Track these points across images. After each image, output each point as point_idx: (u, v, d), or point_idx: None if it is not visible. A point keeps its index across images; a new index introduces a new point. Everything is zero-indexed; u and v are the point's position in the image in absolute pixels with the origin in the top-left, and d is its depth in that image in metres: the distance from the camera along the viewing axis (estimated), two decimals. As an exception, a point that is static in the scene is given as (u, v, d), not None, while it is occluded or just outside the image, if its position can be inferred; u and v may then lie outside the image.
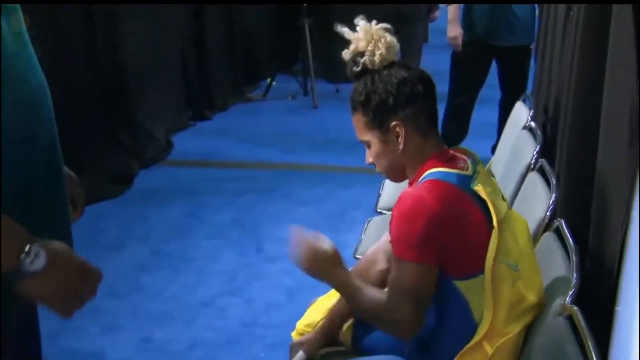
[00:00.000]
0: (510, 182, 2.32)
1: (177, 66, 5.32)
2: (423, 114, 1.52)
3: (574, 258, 1.49)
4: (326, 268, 1.52)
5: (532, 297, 1.45)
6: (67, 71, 3.87)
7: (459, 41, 3.92)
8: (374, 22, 1.55)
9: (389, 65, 1.52)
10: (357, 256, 2.38)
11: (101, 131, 4.27)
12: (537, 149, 2.27)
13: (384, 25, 1.55)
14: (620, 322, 1.20)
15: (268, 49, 7.01)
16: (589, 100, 1.74)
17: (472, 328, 1.45)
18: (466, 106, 4.13)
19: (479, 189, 1.45)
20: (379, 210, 2.68)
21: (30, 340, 1.40)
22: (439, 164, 1.47)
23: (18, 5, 1.15)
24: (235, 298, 3.02)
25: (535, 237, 1.80)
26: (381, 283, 1.67)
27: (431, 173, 1.46)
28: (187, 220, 3.79)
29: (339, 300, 1.71)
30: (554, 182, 1.93)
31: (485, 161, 3.15)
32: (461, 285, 1.44)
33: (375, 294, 1.49)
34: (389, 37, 1.52)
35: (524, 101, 2.97)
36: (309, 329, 1.79)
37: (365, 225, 2.60)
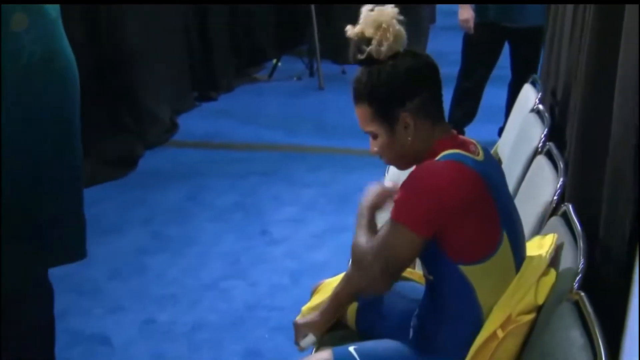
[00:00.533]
0: (517, 165, 2.29)
1: (182, 47, 5.28)
2: (431, 101, 1.49)
3: (581, 243, 1.47)
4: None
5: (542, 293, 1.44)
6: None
7: (471, 24, 3.88)
8: (388, 6, 1.49)
9: (394, 54, 1.47)
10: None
11: (105, 113, 4.24)
12: (544, 132, 2.24)
13: (396, 12, 1.48)
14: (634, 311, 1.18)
15: (274, 29, 6.96)
16: (601, 83, 1.70)
17: (477, 313, 1.44)
18: (476, 88, 4.10)
19: None
20: (383, 193, 2.66)
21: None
22: (453, 147, 1.45)
23: None
24: (239, 281, 3.02)
25: (542, 222, 1.78)
26: None
27: (448, 154, 1.44)
28: (190, 202, 3.78)
29: (343, 283, 1.69)
30: (562, 165, 1.90)
31: (492, 144, 3.14)
32: (467, 270, 1.42)
33: (368, 245, 1.48)
34: (397, 27, 1.47)
35: (532, 83, 2.93)
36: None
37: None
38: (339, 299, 1.68)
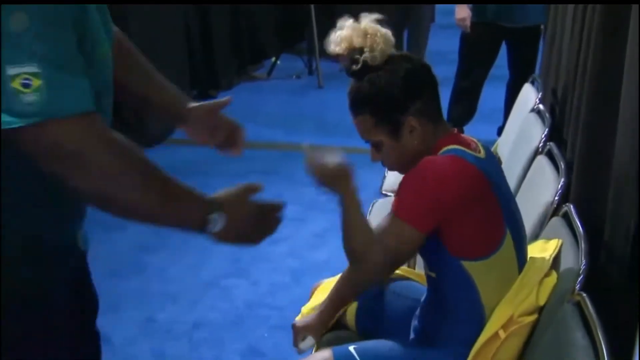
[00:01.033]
0: (517, 165, 2.29)
1: (182, 46, 5.28)
2: (431, 102, 1.49)
3: (582, 244, 1.47)
4: (337, 178, 1.47)
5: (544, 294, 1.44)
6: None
7: (468, 22, 3.87)
8: (365, 17, 1.47)
9: (388, 59, 1.46)
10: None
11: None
12: (545, 132, 2.24)
13: (374, 16, 1.47)
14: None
15: (273, 27, 6.95)
16: (607, 83, 1.70)
17: (479, 311, 1.45)
18: (474, 87, 4.09)
19: None
20: (383, 192, 2.66)
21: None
22: (454, 143, 1.45)
23: None
24: (240, 279, 3.02)
25: (543, 222, 1.78)
26: None
27: (449, 149, 1.44)
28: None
29: (340, 282, 1.69)
30: (563, 166, 1.91)
31: (491, 143, 3.14)
32: (469, 266, 1.43)
33: (370, 228, 1.45)
34: (383, 30, 1.46)
35: (532, 83, 2.93)
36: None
37: (370, 207, 2.58)
38: (337, 299, 1.69)
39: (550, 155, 2.05)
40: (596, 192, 1.74)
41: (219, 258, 3.18)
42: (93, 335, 1.43)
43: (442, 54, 5.15)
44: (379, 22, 1.47)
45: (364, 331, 1.74)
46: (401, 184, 1.44)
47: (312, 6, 5.90)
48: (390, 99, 1.44)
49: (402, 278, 1.75)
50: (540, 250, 1.54)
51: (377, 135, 1.48)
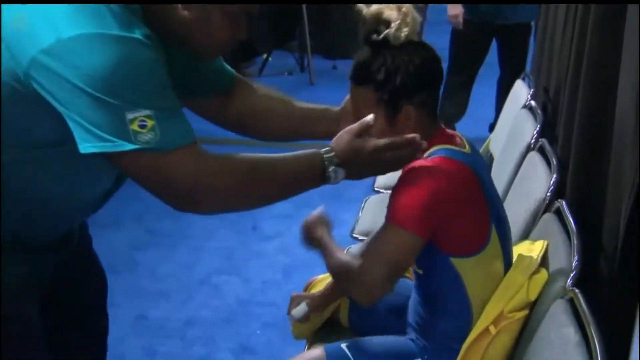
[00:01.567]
0: (510, 162, 2.29)
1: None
2: (434, 98, 1.46)
3: (574, 240, 1.47)
4: (312, 228, 1.52)
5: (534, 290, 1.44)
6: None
7: (460, 19, 3.87)
8: None
9: (408, 42, 1.40)
10: (354, 235, 2.37)
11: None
12: (537, 129, 2.24)
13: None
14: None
15: (264, 24, 6.94)
16: (600, 78, 1.70)
17: (467, 306, 1.44)
18: (465, 84, 4.10)
19: None
20: (376, 189, 2.66)
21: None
22: (443, 142, 1.44)
23: None
24: (232, 276, 3.01)
25: (535, 219, 1.79)
26: None
27: (438, 150, 1.42)
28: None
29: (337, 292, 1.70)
30: (555, 162, 1.91)
31: (483, 140, 3.14)
32: (457, 262, 1.42)
33: (349, 257, 1.43)
34: (415, 14, 1.41)
35: (523, 79, 2.93)
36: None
37: (363, 204, 2.58)
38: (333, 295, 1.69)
39: (542, 152, 2.06)
40: (589, 188, 1.74)
41: (211, 255, 3.18)
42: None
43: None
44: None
45: (357, 328, 1.73)
46: (394, 193, 1.41)
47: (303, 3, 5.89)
48: (401, 81, 1.39)
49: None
50: (527, 251, 1.53)
51: (371, 112, 1.40)
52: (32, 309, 1.33)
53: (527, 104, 2.57)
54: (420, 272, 1.50)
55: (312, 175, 1.27)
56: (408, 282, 1.69)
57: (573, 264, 1.40)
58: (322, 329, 1.77)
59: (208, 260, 3.14)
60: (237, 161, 1.22)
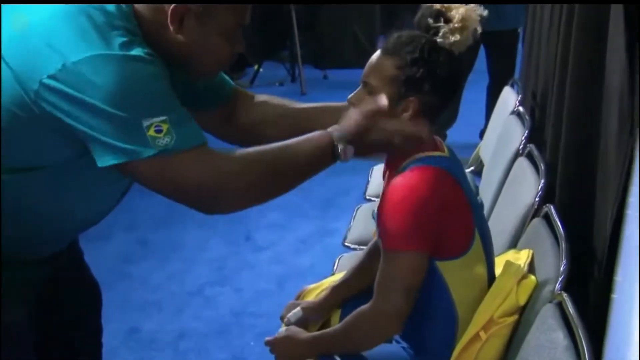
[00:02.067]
0: (499, 167, 2.31)
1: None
2: (440, 109, 1.46)
3: (563, 245, 1.48)
4: (290, 344, 1.53)
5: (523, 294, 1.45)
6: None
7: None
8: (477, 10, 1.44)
9: (449, 49, 1.41)
10: (346, 244, 2.37)
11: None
12: (525, 134, 2.25)
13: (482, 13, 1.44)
14: (617, 310, 1.19)
15: (254, 35, 6.95)
16: (586, 83, 1.71)
17: (450, 309, 1.45)
18: (455, 91, 4.10)
19: None
20: (367, 197, 2.67)
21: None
22: (425, 149, 1.44)
23: None
24: (224, 287, 3.01)
25: (524, 224, 1.79)
26: None
27: (418, 159, 1.43)
28: (174, 208, 3.73)
29: (347, 276, 1.70)
30: (543, 167, 1.92)
31: (474, 146, 3.15)
32: (441, 265, 1.43)
33: (346, 320, 1.47)
34: (478, 28, 1.43)
35: (512, 86, 2.95)
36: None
37: (355, 213, 2.58)
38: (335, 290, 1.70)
39: (530, 157, 2.07)
40: (577, 193, 1.75)
41: (203, 266, 3.17)
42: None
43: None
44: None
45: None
46: (382, 215, 1.41)
47: (293, 13, 5.91)
48: (423, 74, 1.38)
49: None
50: (513, 259, 1.54)
51: (379, 83, 1.41)
52: (20, 319, 1.32)
53: (515, 109, 2.58)
54: None
55: (324, 155, 1.28)
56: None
57: (561, 268, 1.41)
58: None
59: (200, 271, 3.13)
60: (253, 155, 1.24)
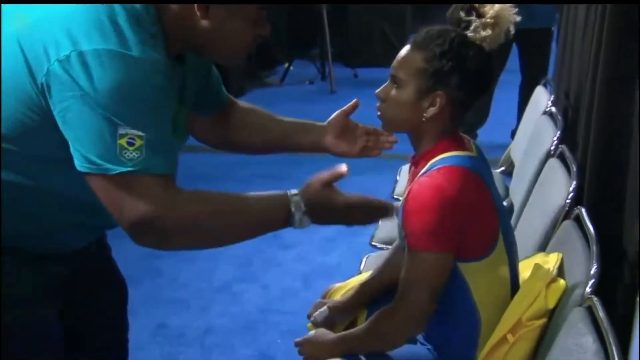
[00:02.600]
0: (530, 168, 2.27)
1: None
2: (467, 104, 1.45)
3: (594, 248, 1.45)
4: (317, 346, 1.54)
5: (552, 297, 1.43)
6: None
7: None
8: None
9: (480, 44, 1.39)
10: (373, 243, 2.36)
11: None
12: (557, 135, 2.22)
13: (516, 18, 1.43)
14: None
15: (285, 33, 6.97)
16: (619, 84, 1.68)
17: (472, 311, 1.43)
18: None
19: None
20: (395, 196, 2.65)
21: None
22: (452, 148, 1.43)
23: None
24: (251, 284, 3.02)
25: (555, 225, 1.76)
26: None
27: (445, 158, 1.41)
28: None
29: (373, 275, 1.69)
30: (575, 169, 1.89)
31: (505, 147, 3.11)
32: (464, 267, 1.41)
33: (371, 320, 1.47)
34: (512, 28, 1.42)
35: (544, 85, 2.91)
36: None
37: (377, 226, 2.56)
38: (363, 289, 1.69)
39: (562, 158, 2.03)
40: (609, 196, 1.72)
41: (230, 263, 3.18)
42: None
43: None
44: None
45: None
46: (407, 215, 1.40)
47: (324, 11, 5.90)
48: (451, 68, 1.38)
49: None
50: (542, 262, 1.52)
51: (407, 76, 1.40)
52: (51, 314, 1.34)
53: (547, 110, 2.54)
54: None
55: (278, 218, 1.28)
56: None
57: (592, 272, 1.38)
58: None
59: (226, 268, 3.14)
60: (208, 197, 1.22)
